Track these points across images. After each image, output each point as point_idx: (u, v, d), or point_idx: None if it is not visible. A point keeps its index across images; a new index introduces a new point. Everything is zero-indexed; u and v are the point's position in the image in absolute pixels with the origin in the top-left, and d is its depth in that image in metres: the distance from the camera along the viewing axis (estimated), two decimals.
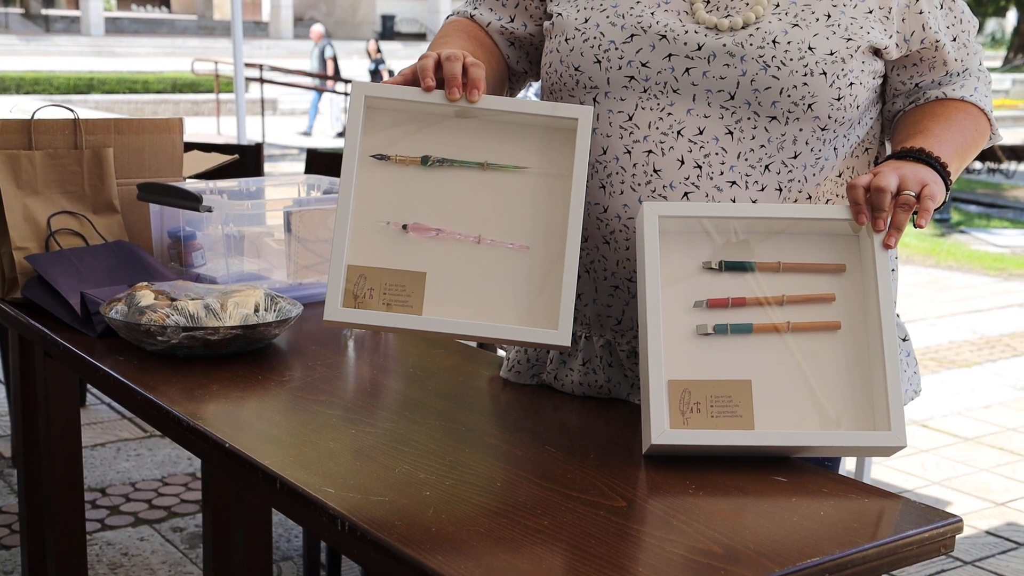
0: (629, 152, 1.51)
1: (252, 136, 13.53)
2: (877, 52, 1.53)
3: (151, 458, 3.85)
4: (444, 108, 1.43)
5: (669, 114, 1.49)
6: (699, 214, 1.43)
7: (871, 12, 1.51)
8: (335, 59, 17.06)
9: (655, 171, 1.50)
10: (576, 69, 1.55)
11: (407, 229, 1.42)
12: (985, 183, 13.21)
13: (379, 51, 17.29)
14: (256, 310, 1.78)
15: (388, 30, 35.19)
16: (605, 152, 1.53)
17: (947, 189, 1.46)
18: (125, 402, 1.66)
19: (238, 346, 1.74)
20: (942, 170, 1.45)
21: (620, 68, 1.51)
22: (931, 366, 5.24)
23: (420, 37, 35.23)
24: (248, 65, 14.28)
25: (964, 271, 7.70)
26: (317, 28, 17.61)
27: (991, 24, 36.54)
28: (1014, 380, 5.04)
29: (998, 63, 30.65)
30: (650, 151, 1.50)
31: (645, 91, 1.50)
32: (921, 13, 1.54)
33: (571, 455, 1.40)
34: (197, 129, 15.71)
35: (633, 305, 1.57)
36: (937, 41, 1.56)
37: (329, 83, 16.77)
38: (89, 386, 4.17)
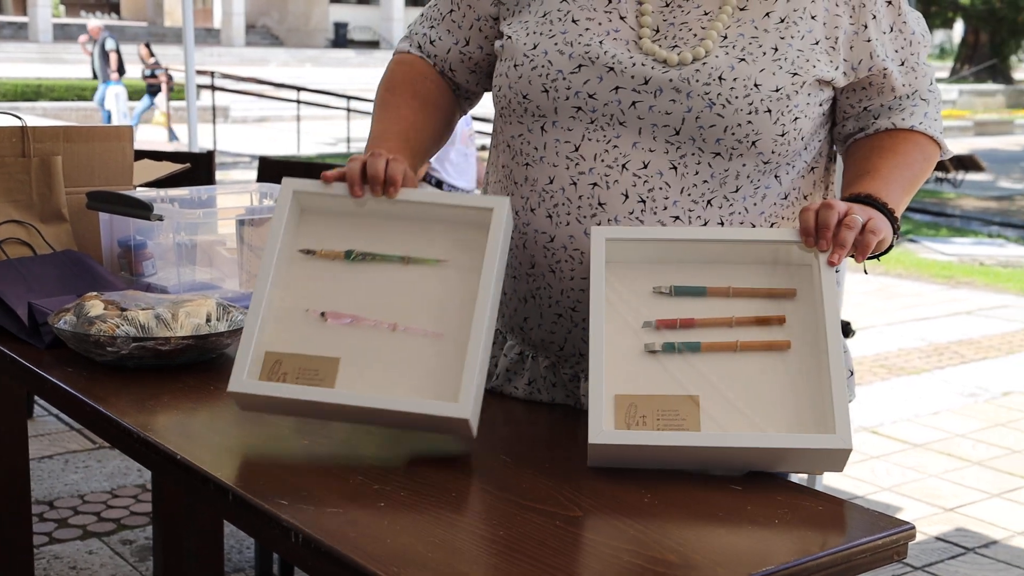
0: (575, 184, 1.51)
1: (203, 144, 13.43)
2: (824, 83, 1.53)
3: (100, 470, 3.81)
4: (368, 203, 1.48)
5: (615, 146, 1.50)
6: (648, 237, 1.44)
7: (817, 43, 1.51)
8: (118, 51, 16.59)
9: (600, 204, 1.50)
10: (524, 97, 1.54)
11: (325, 317, 1.44)
12: (933, 192, 13.39)
13: (152, 55, 16.87)
14: (208, 320, 1.76)
15: (341, 38, 35.10)
16: (552, 182, 1.53)
17: (895, 232, 1.49)
18: (74, 414, 1.64)
19: (190, 356, 1.72)
20: (890, 215, 1.48)
21: (568, 99, 1.51)
22: (880, 373, 5.30)
23: (373, 45, 35.17)
24: (200, 72, 14.19)
25: (913, 279, 7.80)
26: (94, 23, 17.36)
27: (939, 35, 37.04)
28: (962, 387, 5.10)
29: (946, 73, 31.09)
30: (595, 184, 1.50)
31: (592, 122, 1.50)
32: (869, 41, 1.55)
33: (526, 465, 1.39)
34: (147, 137, 15.59)
35: (576, 333, 1.58)
36: (884, 68, 1.57)
37: (113, 76, 16.46)
38: (36, 398, 4.11)
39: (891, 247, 1.50)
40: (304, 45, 33.35)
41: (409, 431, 1.44)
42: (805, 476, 2.76)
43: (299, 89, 16.58)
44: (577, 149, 1.51)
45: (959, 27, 33.07)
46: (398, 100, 1.70)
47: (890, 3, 1.57)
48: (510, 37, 1.59)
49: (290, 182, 1.48)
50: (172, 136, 15.65)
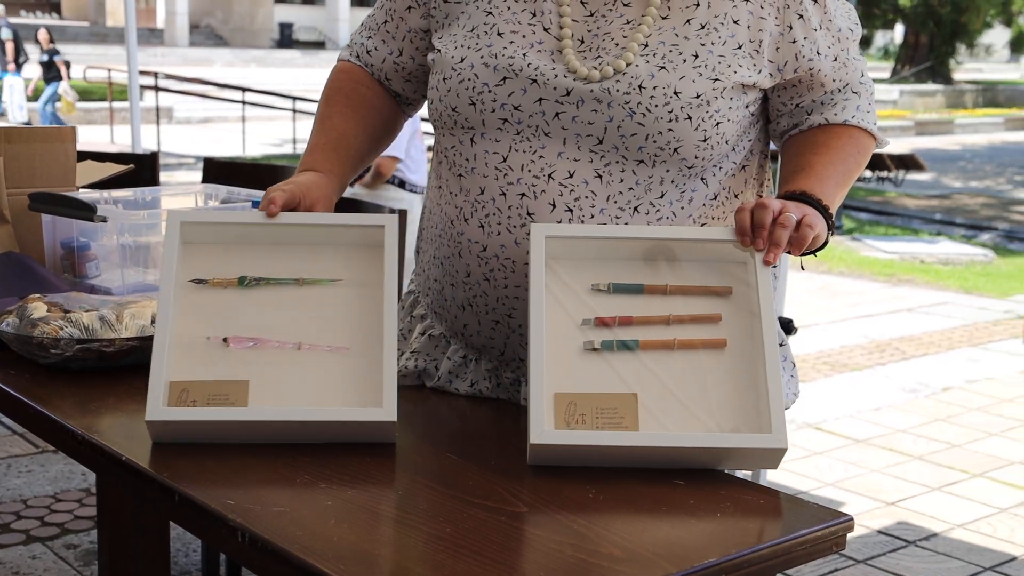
0: (504, 194, 1.54)
1: (147, 145, 13.30)
2: (747, 86, 1.55)
3: (43, 474, 3.77)
4: (257, 228, 1.51)
5: (541, 157, 1.52)
6: (587, 235, 1.46)
7: (740, 47, 1.53)
8: (15, 40, 16.17)
9: (528, 214, 1.52)
10: (454, 110, 1.57)
11: (227, 342, 1.46)
12: (875, 191, 13.56)
13: (52, 41, 16.42)
14: (153, 321, 1.76)
15: (286, 38, 34.87)
16: (483, 192, 1.55)
17: (830, 228, 1.51)
18: (17, 417, 1.63)
19: (135, 358, 1.71)
20: (824, 211, 1.50)
21: (494, 111, 1.53)
22: (824, 370, 5.36)
23: (319, 45, 34.99)
24: (143, 73, 14.04)
25: (855, 277, 7.90)
26: None
27: (881, 37, 37.51)
28: (903, 383, 5.18)
29: (887, 74, 31.49)
30: (523, 194, 1.52)
31: (518, 133, 1.52)
32: (795, 43, 1.56)
33: (471, 461, 1.40)
34: (90, 138, 15.40)
35: (514, 338, 1.60)
36: (811, 68, 1.59)
37: (10, 66, 16.09)
38: None
39: (826, 243, 1.52)
40: (249, 45, 33.10)
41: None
42: (749, 472, 2.79)
43: (244, 90, 16.45)
44: (505, 160, 1.53)
45: (900, 28, 33.52)
46: (332, 110, 1.74)
47: (816, 1, 1.59)
48: (439, 51, 1.62)
49: (176, 214, 1.51)
50: (54, 121, 15.25)
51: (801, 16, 1.57)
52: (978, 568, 3.27)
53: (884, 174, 14.07)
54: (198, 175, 8.84)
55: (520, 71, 1.52)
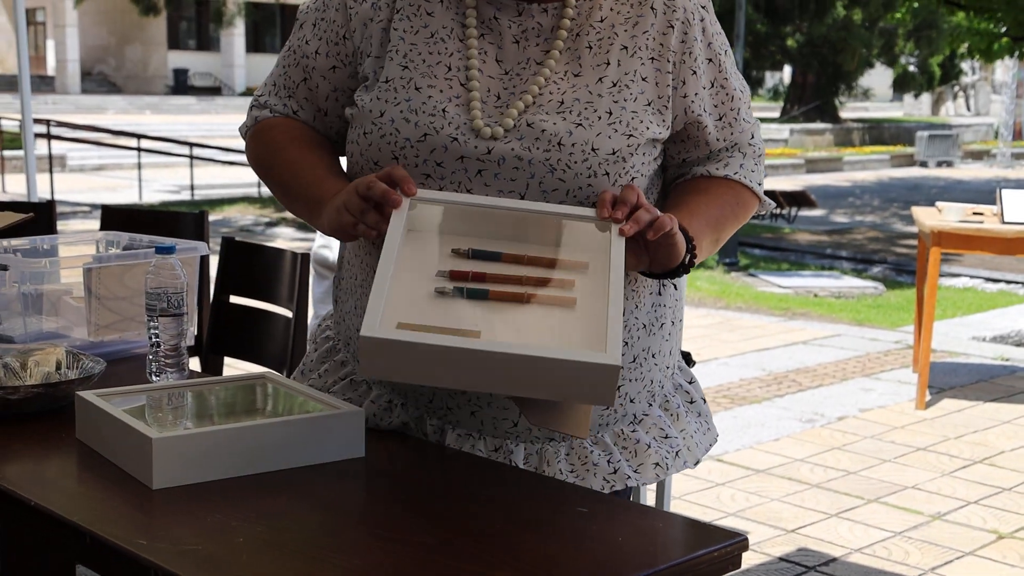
0: None
1: (41, 194, 13.06)
2: (656, 141, 1.60)
3: None
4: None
5: None
6: (453, 201, 1.49)
7: (649, 104, 1.58)
8: None
9: None
10: (376, 164, 1.56)
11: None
12: (769, 227, 13.87)
13: None
14: (58, 367, 1.76)
15: (181, 84, 34.55)
16: None
17: (689, 255, 1.51)
18: None
19: (40, 405, 1.71)
20: (688, 239, 1.51)
21: (417, 166, 1.53)
22: (723, 403, 5.47)
23: (215, 91, 34.71)
24: (35, 121, 13.80)
25: (752, 312, 8.07)
26: None
27: (771, 77, 38.44)
28: (800, 413, 5.31)
29: (777, 113, 32.28)
30: None
31: (441, 189, 1.53)
32: (685, 97, 1.61)
33: (379, 495, 1.43)
34: None
35: (441, 390, 1.58)
36: (699, 122, 1.63)
37: None
38: None
39: (687, 269, 1.53)
40: (143, 92, 32.74)
41: None
42: (652, 500, 2.86)
43: (139, 136, 16.26)
44: None
45: (788, 69, 34.40)
46: (299, 153, 1.65)
47: (711, 61, 1.64)
48: (356, 105, 1.60)
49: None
50: None
51: (695, 72, 1.61)
52: None
53: (777, 211, 14.40)
54: (94, 223, 8.69)
55: (440, 130, 1.52)
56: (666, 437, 1.66)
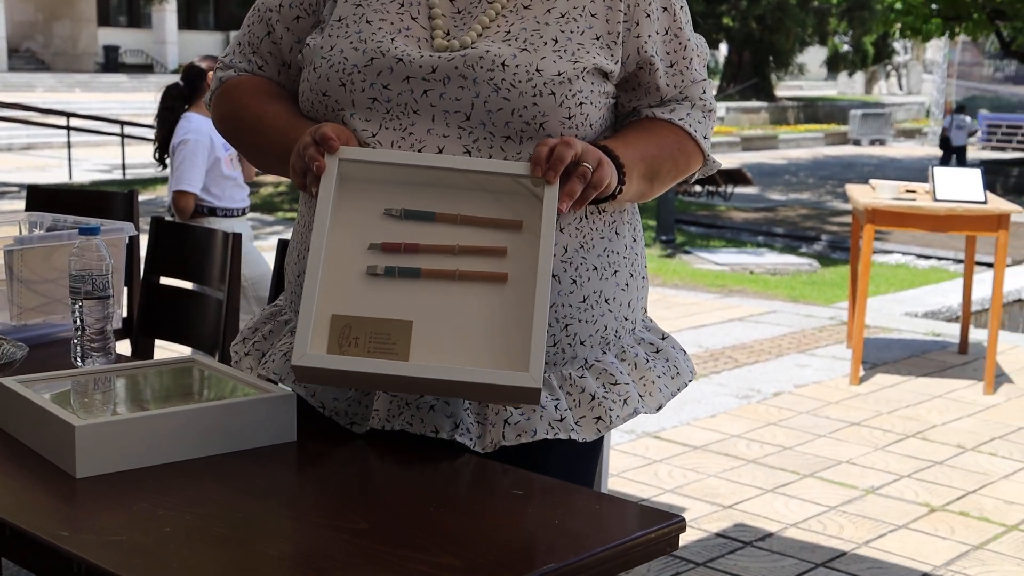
0: None
1: None
2: (605, 75, 1.61)
3: None
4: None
5: (411, 134, 1.54)
6: (384, 160, 1.49)
7: (598, 38, 1.59)
8: None
9: None
10: (324, 94, 1.58)
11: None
12: (705, 205, 13.97)
13: None
14: None
15: (112, 62, 33.96)
16: None
17: (620, 183, 1.54)
18: None
19: None
20: (619, 165, 1.54)
21: (363, 90, 1.55)
22: None
23: (147, 69, 34.17)
24: None
25: (689, 289, 8.12)
26: None
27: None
28: (736, 389, 5.35)
29: (713, 92, 32.50)
30: None
31: (388, 112, 1.55)
32: (639, 37, 1.63)
33: (310, 481, 1.41)
34: None
35: None
36: (651, 63, 1.64)
37: None
38: None
39: (615, 196, 1.56)
40: (72, 69, 32.11)
41: None
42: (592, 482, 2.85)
43: (68, 115, 15.98)
44: (375, 136, 1.55)
45: (724, 48, 34.60)
46: (263, 104, 1.67)
47: (666, 9, 1.66)
48: (308, 44, 1.62)
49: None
50: None
51: (648, 16, 1.63)
52: (810, 565, 3.41)
53: (713, 188, 14.51)
54: (21, 203, 8.52)
55: (387, 52, 1.55)
56: (615, 383, 1.63)
